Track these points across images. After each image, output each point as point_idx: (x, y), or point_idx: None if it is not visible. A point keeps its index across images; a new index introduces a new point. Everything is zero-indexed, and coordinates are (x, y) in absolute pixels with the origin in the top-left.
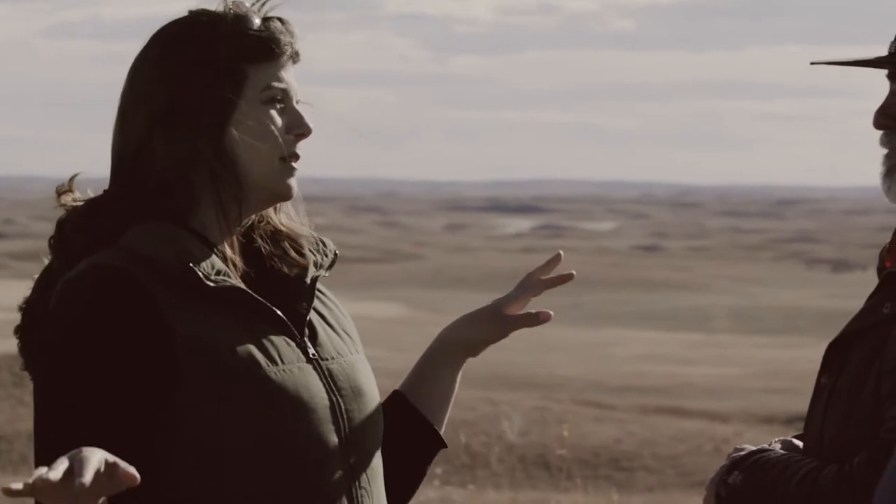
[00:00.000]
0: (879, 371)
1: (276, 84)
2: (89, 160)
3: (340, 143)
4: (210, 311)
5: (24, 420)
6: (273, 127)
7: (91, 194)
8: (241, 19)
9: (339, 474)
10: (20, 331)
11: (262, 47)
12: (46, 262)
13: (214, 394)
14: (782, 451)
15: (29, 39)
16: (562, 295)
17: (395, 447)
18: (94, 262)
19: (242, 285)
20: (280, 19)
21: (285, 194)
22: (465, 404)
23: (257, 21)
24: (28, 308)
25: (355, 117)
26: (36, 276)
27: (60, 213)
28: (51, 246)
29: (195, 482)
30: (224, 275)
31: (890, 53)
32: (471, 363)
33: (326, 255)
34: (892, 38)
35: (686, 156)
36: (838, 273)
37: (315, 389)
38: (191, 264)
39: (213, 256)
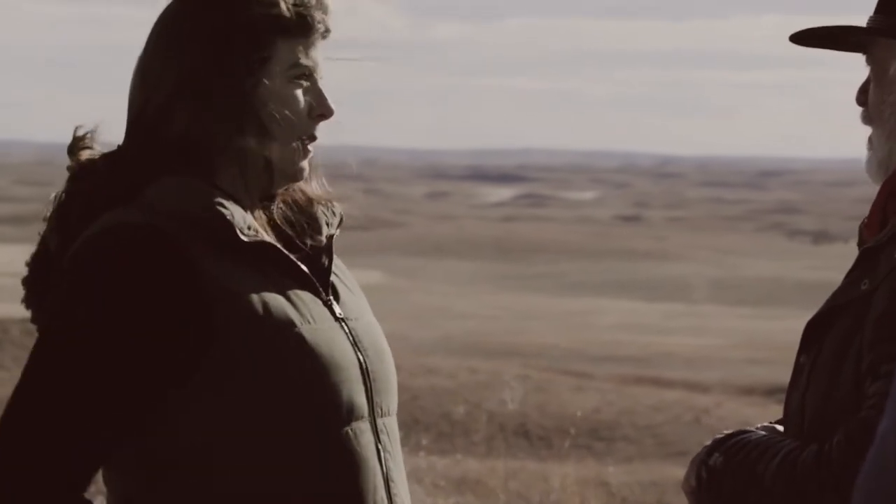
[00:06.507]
0: (859, 348)
1: (304, 61)
2: (71, 124)
3: None
4: (243, 268)
5: (2, 384)
6: (297, 107)
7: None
8: None
9: (368, 435)
10: (29, 283)
11: (296, 22)
12: (46, 216)
13: (249, 351)
14: (763, 433)
15: (11, 1)
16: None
17: None
18: (116, 219)
19: (274, 241)
20: None
21: (296, 177)
22: (446, 373)
23: None
24: (36, 260)
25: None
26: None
27: (45, 175)
28: (67, 196)
29: (228, 440)
30: (254, 230)
31: (868, 27)
32: (452, 332)
33: (335, 214)
34: (873, 11)
35: (668, 125)
36: (819, 244)
37: (346, 349)
38: (227, 217)
39: (244, 212)
